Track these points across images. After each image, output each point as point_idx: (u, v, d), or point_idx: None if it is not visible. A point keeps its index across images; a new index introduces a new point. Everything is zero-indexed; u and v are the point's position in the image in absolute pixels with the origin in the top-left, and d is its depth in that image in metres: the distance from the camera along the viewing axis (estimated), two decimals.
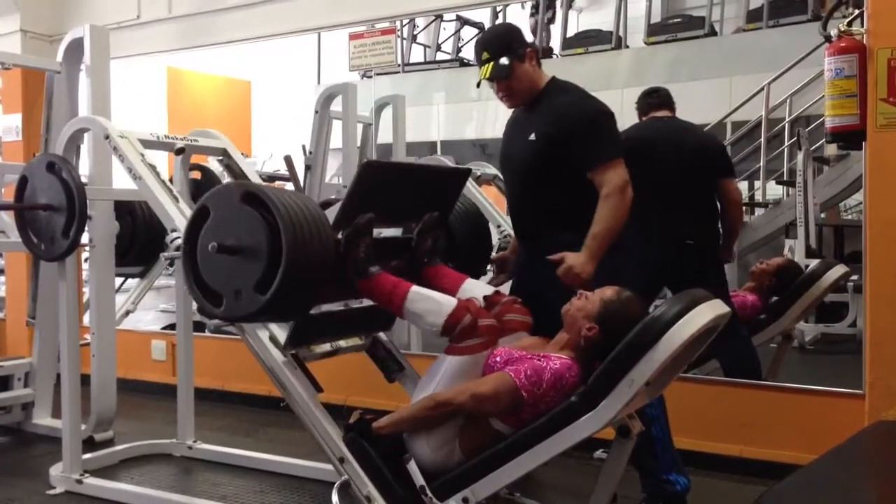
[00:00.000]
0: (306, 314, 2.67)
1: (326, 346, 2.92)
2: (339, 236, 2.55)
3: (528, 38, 3.51)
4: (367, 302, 2.83)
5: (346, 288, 2.63)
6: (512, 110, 3.11)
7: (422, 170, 3.27)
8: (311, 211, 2.48)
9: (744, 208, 7.07)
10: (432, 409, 2.37)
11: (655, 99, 3.95)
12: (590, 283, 2.68)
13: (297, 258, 2.36)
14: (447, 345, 2.46)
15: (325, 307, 2.79)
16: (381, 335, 3.10)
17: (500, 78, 2.92)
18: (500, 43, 2.94)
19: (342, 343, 2.98)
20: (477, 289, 2.76)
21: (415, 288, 2.53)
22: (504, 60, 2.88)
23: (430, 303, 2.48)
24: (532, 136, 2.90)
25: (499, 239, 4.62)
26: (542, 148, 2.88)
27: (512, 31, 3.07)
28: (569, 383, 2.31)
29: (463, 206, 3.28)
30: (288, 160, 2.89)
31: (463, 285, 2.77)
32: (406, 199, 2.80)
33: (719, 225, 3.93)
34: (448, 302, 2.47)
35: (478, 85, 3.01)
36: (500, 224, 4.43)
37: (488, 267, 3.57)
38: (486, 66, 2.92)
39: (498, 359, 2.42)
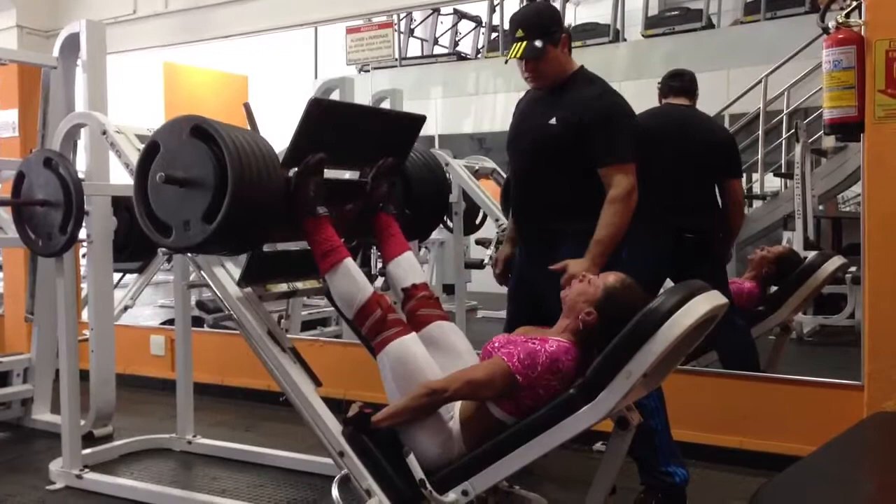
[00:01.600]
0: (258, 250, 2.71)
1: (283, 286, 2.95)
2: (291, 174, 2.59)
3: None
4: None
5: (298, 228, 2.66)
6: (518, 94, 3.08)
7: (373, 112, 3.27)
8: (260, 146, 2.53)
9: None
10: (428, 397, 2.37)
11: (678, 83, 3.90)
12: None
13: (243, 189, 2.41)
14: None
15: (282, 246, 2.82)
16: None
17: (531, 59, 2.88)
18: (538, 24, 2.89)
19: (299, 284, 2.99)
20: (408, 267, 2.79)
21: (347, 261, 2.58)
22: (538, 43, 2.84)
23: (351, 284, 2.55)
24: (552, 121, 2.87)
25: (497, 233, 4.62)
26: (560, 134, 2.86)
27: (552, 14, 3.02)
28: (566, 366, 2.30)
29: (421, 156, 3.24)
30: (247, 107, 2.91)
31: (399, 257, 2.79)
32: (360, 142, 2.82)
33: (721, 216, 3.92)
34: (365, 290, 2.54)
35: (506, 61, 2.94)
36: (499, 218, 4.42)
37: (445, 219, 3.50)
38: (519, 44, 2.86)
39: (496, 344, 2.42)
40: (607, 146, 2.82)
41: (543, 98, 2.98)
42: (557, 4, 8.12)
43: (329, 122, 2.68)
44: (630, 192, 2.80)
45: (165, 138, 2.58)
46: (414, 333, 2.55)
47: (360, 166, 2.92)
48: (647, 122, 3.78)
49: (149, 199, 2.60)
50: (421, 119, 3.04)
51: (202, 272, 2.83)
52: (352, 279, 2.57)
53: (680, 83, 3.91)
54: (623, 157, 2.82)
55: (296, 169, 2.61)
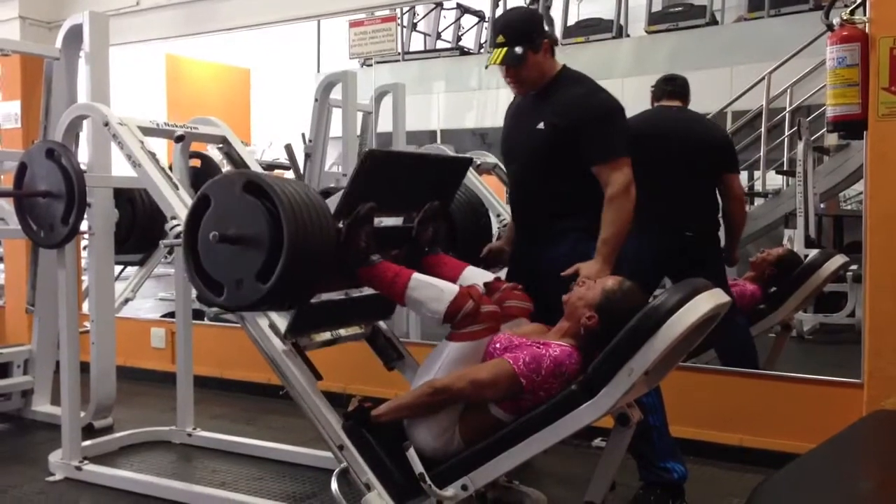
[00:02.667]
0: (307, 303, 2.66)
1: (326, 335, 2.92)
2: (340, 225, 2.55)
3: None
4: (367, 290, 2.83)
5: (347, 277, 2.63)
6: (514, 95, 3.09)
7: (423, 159, 3.26)
8: (313, 200, 2.47)
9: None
10: (431, 395, 2.37)
11: (670, 87, 3.92)
12: None
13: (298, 247, 2.36)
14: (448, 332, 2.46)
15: (325, 296, 2.78)
16: (381, 324, 3.10)
17: (511, 65, 2.89)
18: (518, 30, 2.89)
19: (342, 332, 2.97)
20: (477, 276, 2.76)
21: (416, 275, 2.53)
22: (518, 49, 2.85)
23: (431, 290, 2.48)
24: (540, 125, 2.88)
25: (498, 228, 4.62)
26: (550, 138, 2.86)
27: (533, 20, 3.03)
28: (569, 371, 2.31)
29: (464, 195, 3.27)
30: (288, 149, 2.88)
31: (463, 273, 2.77)
32: (407, 187, 2.79)
33: (719, 216, 3.92)
34: (450, 289, 2.46)
35: (486, 67, 2.96)
36: (500, 213, 4.42)
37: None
38: (500, 50, 2.87)
39: (498, 345, 2.41)
40: (598, 144, 2.82)
41: (530, 103, 3.00)
42: (561, 0, 8.12)
43: (380, 172, 2.63)
44: (627, 186, 2.79)
45: (217, 194, 2.50)
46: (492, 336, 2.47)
47: (407, 212, 2.88)
48: (644, 122, 3.80)
49: (199, 255, 2.53)
50: (467, 162, 3.05)
51: (246, 324, 2.74)
52: (431, 285, 2.49)
53: (673, 87, 3.92)
54: (615, 153, 2.82)
55: (345, 220, 2.55)
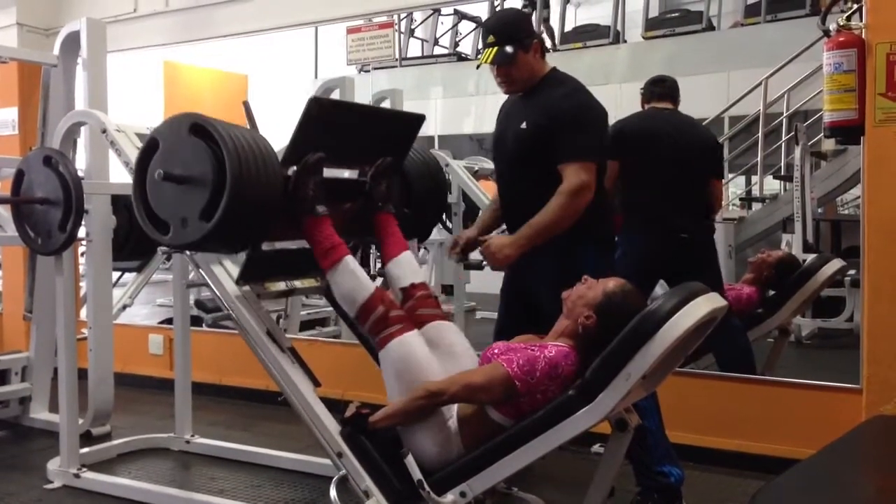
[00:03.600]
0: (256, 249, 2.71)
1: (281, 285, 2.95)
2: (290, 173, 2.59)
3: None
4: None
5: (298, 227, 2.66)
6: (507, 96, 3.10)
7: (373, 112, 3.27)
8: (259, 145, 2.53)
9: (742, 204, 7.12)
10: (425, 399, 2.37)
11: (660, 88, 3.94)
12: (505, 266, 2.85)
13: (241, 188, 2.42)
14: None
15: (280, 245, 2.82)
16: None
17: (502, 65, 2.91)
18: (508, 30, 2.92)
19: (297, 283, 3.00)
20: (407, 267, 2.79)
21: (348, 258, 2.59)
22: (509, 49, 2.87)
23: (353, 282, 2.57)
24: (524, 125, 2.90)
25: (496, 233, 4.62)
26: (531, 137, 2.88)
27: (521, 20, 3.08)
28: (565, 371, 2.30)
29: (420, 155, 3.25)
30: (246, 105, 2.91)
31: (398, 256, 2.80)
32: (359, 141, 2.82)
33: (714, 218, 3.94)
34: (367, 288, 2.55)
35: (477, 66, 2.99)
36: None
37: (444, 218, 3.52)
38: (490, 49, 2.90)
39: (496, 351, 2.41)
40: (567, 144, 2.82)
41: (518, 103, 3.02)
42: (558, 6, 8.14)
43: (329, 121, 2.68)
44: (580, 188, 2.76)
45: (164, 135, 2.59)
46: (416, 331, 2.55)
47: (360, 165, 2.93)
48: (638, 123, 3.83)
49: (147, 196, 2.61)
50: (420, 118, 3.05)
51: (200, 270, 2.83)
52: (353, 276, 2.58)
53: (662, 88, 3.95)
54: (581, 154, 2.81)
55: (295, 168, 2.61)
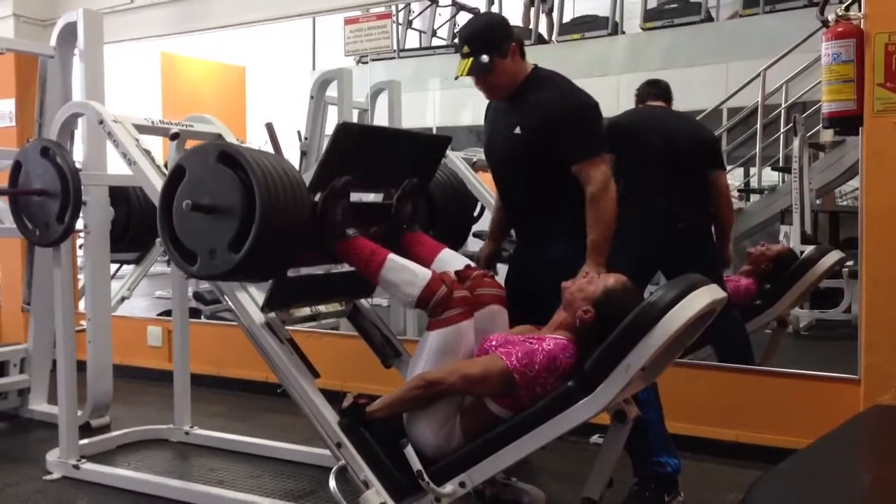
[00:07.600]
0: (282, 275, 2.69)
1: (306, 311, 2.94)
2: (316, 199, 2.57)
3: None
4: (347, 267, 2.83)
5: (325, 252, 2.64)
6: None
7: (400, 135, 3.26)
8: (287, 172, 2.50)
9: (740, 196, 7.10)
10: (423, 389, 2.38)
11: (654, 89, 3.98)
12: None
13: (270, 217, 2.38)
14: (427, 323, 2.49)
15: (305, 271, 2.80)
16: (379, 322, 3.10)
17: (479, 75, 2.88)
18: (482, 38, 2.88)
19: (322, 308, 2.99)
20: (453, 259, 2.76)
21: (392, 256, 2.54)
22: (484, 58, 2.83)
23: (406, 273, 2.50)
24: (517, 130, 2.89)
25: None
26: (528, 142, 2.87)
27: (494, 27, 2.98)
28: (563, 364, 2.30)
29: (445, 175, 3.26)
30: (269, 127, 2.89)
31: (439, 255, 2.78)
32: (385, 164, 2.80)
33: (710, 210, 3.93)
34: (423, 273, 2.48)
35: (455, 78, 2.95)
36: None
37: (470, 236, 3.57)
38: (466, 61, 2.87)
39: (493, 342, 2.42)
40: (577, 144, 2.83)
41: (506, 106, 2.99)
42: None
43: (356, 146, 2.64)
44: (606, 183, 2.80)
45: (191, 164, 2.54)
46: (471, 321, 2.49)
47: (385, 188, 2.90)
48: (632, 119, 3.85)
49: (173, 225, 2.56)
50: (447, 140, 3.05)
51: (225, 297, 2.77)
52: (405, 268, 2.51)
53: (657, 89, 3.99)
54: (593, 151, 2.83)
55: (321, 193, 2.57)
